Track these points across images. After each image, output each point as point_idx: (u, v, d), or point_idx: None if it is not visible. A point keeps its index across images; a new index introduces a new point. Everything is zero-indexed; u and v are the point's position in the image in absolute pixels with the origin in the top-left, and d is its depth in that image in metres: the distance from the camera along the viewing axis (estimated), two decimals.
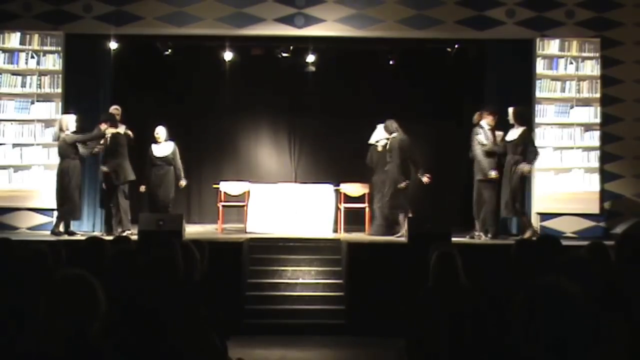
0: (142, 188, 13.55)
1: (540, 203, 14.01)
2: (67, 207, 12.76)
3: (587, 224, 13.93)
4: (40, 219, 13.70)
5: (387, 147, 13.56)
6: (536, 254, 6.11)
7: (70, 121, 12.90)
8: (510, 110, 12.98)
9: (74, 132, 12.85)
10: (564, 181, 14.10)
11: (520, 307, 3.34)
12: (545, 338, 3.26)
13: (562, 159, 14.15)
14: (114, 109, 13.32)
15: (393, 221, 13.42)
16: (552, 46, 14.25)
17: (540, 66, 14.20)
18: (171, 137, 13.96)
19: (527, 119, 13.12)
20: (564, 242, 6.97)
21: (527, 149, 12.76)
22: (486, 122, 12.85)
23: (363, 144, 14.38)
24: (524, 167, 12.65)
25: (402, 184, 13.16)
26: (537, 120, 14.10)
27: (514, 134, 12.89)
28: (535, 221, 13.89)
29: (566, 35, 14.23)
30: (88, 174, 13.53)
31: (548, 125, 14.17)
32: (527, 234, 12.64)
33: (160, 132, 13.76)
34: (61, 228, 12.87)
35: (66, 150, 12.76)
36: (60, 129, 12.84)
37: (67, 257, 6.21)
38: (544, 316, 3.28)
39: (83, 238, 8.72)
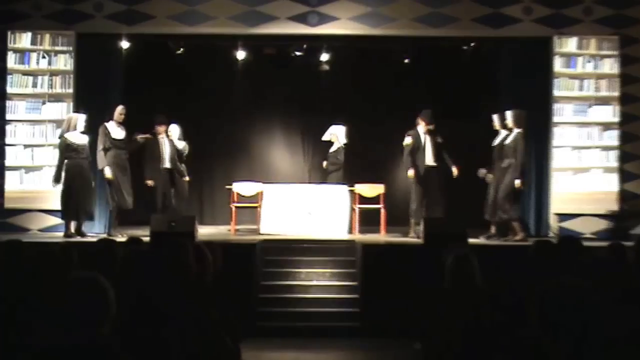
0: (150, 183, 13.55)
1: (558, 204, 13.96)
2: (71, 208, 12.81)
3: (606, 224, 13.86)
4: (51, 220, 13.73)
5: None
6: (555, 254, 6.10)
7: (80, 120, 12.92)
8: (510, 113, 12.92)
9: (82, 132, 12.91)
10: (583, 181, 14.06)
11: (539, 308, 3.34)
12: (564, 338, 3.26)
13: (580, 159, 14.10)
14: (122, 109, 13.31)
15: None
16: (569, 44, 14.20)
17: (557, 64, 14.16)
18: (183, 137, 14.04)
19: (524, 122, 13.00)
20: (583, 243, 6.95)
21: (518, 154, 12.74)
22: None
23: (377, 143, 14.38)
24: (517, 182, 12.70)
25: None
26: (555, 119, 14.08)
27: (509, 136, 12.87)
28: (553, 222, 13.86)
29: (584, 32, 14.17)
30: (100, 174, 13.51)
31: (566, 124, 14.13)
32: (520, 237, 12.71)
33: (173, 130, 13.85)
34: (72, 229, 12.90)
35: (66, 149, 12.79)
36: (68, 127, 12.86)
37: (79, 258, 6.21)
38: (563, 317, 3.28)
39: (94, 239, 8.73)
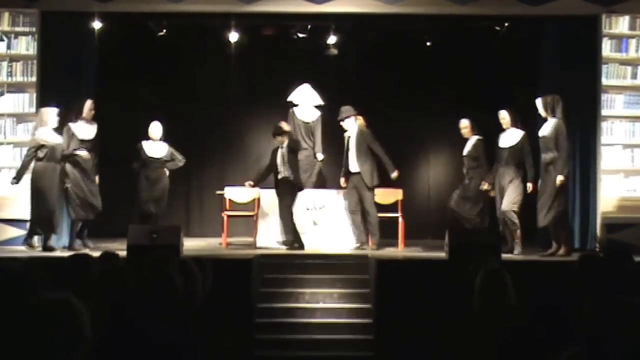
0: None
1: (607, 211, 13.93)
2: (38, 217, 12.86)
3: None
4: (11, 231, 13.71)
5: None
6: (603, 270, 6.12)
7: (51, 115, 12.96)
8: (540, 100, 12.97)
9: (55, 129, 12.96)
10: (636, 185, 14.04)
11: (586, 329, 3.38)
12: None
13: (633, 159, 14.10)
14: (91, 104, 13.36)
15: None
16: (620, 24, 14.19)
17: (606, 48, 14.14)
18: (167, 133, 14.01)
19: (557, 109, 12.97)
20: (636, 257, 6.97)
21: (560, 146, 12.75)
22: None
23: (394, 140, 14.41)
24: (559, 179, 12.70)
25: None
26: (604, 112, 14.04)
27: (547, 127, 12.90)
28: (601, 232, 13.81)
29: (637, 10, 14.17)
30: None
31: (616, 118, 14.12)
32: (562, 251, 12.73)
33: (156, 129, 13.82)
34: (36, 242, 12.98)
35: (36, 149, 12.83)
36: (40, 123, 12.91)
37: (45, 277, 6.24)
38: (616, 340, 3.32)
39: (63, 254, 8.76)
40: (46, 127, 12.92)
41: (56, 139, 12.99)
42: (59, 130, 13.07)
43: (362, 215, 13.89)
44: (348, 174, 13.94)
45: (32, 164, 12.97)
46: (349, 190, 13.88)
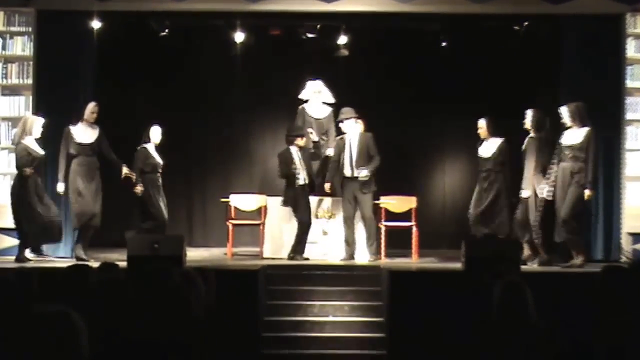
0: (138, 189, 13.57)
1: (631, 221, 13.89)
2: (23, 228, 12.85)
3: None
4: (5, 241, 13.68)
5: None
6: (628, 283, 6.10)
7: (36, 124, 12.94)
8: (565, 109, 12.88)
9: (36, 140, 12.95)
10: None
11: (610, 346, 3.36)
12: None
13: None
14: (94, 107, 13.33)
15: None
16: None
17: (631, 48, 14.11)
18: (169, 137, 13.95)
19: (586, 117, 12.90)
20: None
21: (591, 156, 12.70)
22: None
23: (408, 145, 14.35)
24: (587, 193, 12.65)
25: None
26: (628, 116, 14.02)
27: (575, 136, 12.82)
28: (625, 243, 13.77)
29: None
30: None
31: None
32: (579, 260, 12.63)
33: (159, 133, 13.76)
34: (28, 253, 12.97)
35: (26, 158, 12.82)
36: (24, 132, 12.88)
37: (41, 288, 6.23)
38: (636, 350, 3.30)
39: (60, 265, 8.75)
40: (30, 137, 12.89)
41: (40, 151, 12.98)
42: (39, 141, 13.04)
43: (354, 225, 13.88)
44: (340, 179, 13.85)
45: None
46: (345, 200, 13.78)
